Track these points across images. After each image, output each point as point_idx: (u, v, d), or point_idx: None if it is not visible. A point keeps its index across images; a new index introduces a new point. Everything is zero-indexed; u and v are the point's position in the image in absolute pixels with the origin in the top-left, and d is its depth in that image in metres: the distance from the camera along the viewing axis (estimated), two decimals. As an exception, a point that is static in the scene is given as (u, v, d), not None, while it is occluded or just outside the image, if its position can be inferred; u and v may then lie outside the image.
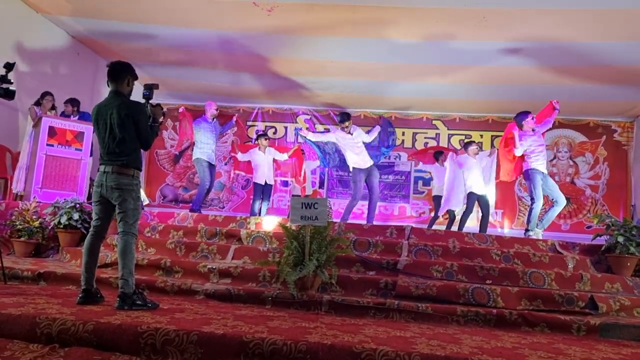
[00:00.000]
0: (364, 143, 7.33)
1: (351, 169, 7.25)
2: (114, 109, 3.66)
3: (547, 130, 7.10)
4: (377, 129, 7.77)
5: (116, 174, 3.64)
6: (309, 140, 7.96)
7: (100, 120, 3.70)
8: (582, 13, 6.28)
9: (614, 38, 6.88)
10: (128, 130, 3.66)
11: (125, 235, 3.67)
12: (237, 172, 9.43)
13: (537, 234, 6.47)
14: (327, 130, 7.50)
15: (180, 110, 8.19)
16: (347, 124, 7.24)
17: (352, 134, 7.23)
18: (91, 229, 3.81)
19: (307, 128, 8.65)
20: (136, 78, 3.88)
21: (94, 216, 3.82)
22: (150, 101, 3.88)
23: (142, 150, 3.83)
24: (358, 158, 7.15)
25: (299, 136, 7.75)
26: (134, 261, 3.70)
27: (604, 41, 6.98)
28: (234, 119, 8.66)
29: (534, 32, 6.93)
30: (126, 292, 3.52)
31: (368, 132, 7.59)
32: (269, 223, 6.11)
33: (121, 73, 3.78)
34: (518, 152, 6.73)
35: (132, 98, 3.85)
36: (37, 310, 3.15)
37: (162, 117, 3.99)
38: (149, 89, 3.89)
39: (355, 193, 7.15)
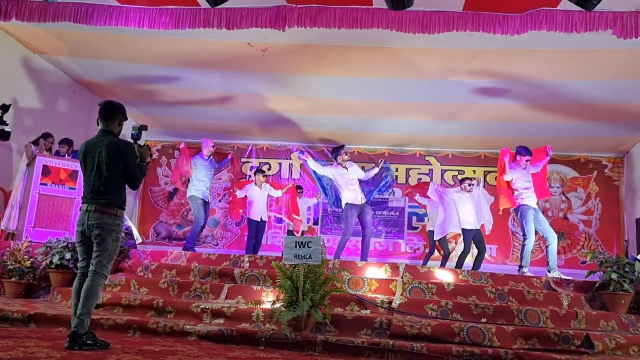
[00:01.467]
0: (358, 180, 7.38)
1: (344, 205, 7.27)
2: (103, 148, 3.66)
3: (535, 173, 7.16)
4: (376, 170, 7.81)
5: (99, 213, 3.62)
6: (308, 165, 7.86)
7: (89, 158, 3.70)
8: (568, 53, 6.43)
9: (600, 77, 7.04)
10: (116, 169, 3.66)
11: (97, 276, 3.62)
12: (241, 210, 9.30)
13: (558, 275, 6.37)
14: (325, 165, 7.53)
15: (182, 146, 8.16)
16: (340, 158, 7.30)
17: (347, 169, 7.29)
18: (79, 270, 3.77)
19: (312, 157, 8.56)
20: (126, 119, 3.91)
21: (79, 257, 3.78)
22: (138, 142, 3.90)
23: (128, 190, 3.84)
24: (352, 195, 7.16)
25: (299, 155, 7.74)
26: (96, 303, 3.68)
27: (591, 80, 7.13)
28: (230, 156, 8.74)
29: (522, 72, 7.08)
30: (79, 333, 3.46)
31: (366, 170, 7.65)
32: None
33: (113, 113, 3.81)
34: (507, 177, 6.81)
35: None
36: (27, 354, 3.10)
37: (150, 158, 4.00)
38: (138, 130, 3.92)
39: (347, 229, 7.16)
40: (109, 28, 6.21)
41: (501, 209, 7.30)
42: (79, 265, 3.78)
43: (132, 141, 3.87)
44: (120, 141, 3.77)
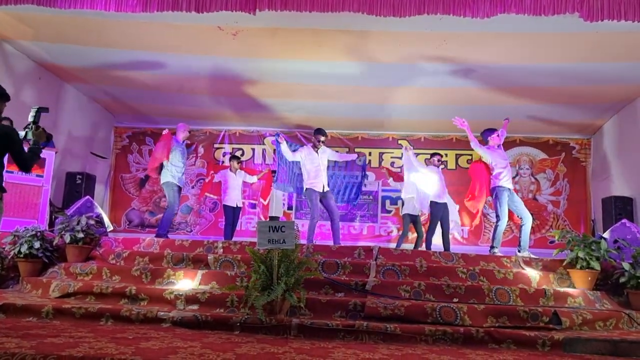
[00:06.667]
0: (328, 162, 7.40)
1: (304, 189, 7.26)
2: None
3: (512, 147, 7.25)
4: (352, 157, 7.82)
5: None
6: (281, 149, 7.75)
7: None
8: (536, 36, 6.53)
9: (567, 60, 7.17)
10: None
11: None
12: (207, 194, 9.37)
13: (527, 254, 6.50)
14: (294, 150, 7.48)
15: (165, 132, 7.86)
16: (322, 139, 7.29)
17: (318, 154, 7.25)
18: None
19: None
20: (8, 99, 3.82)
21: None
22: (36, 124, 3.84)
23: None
24: (315, 180, 7.14)
25: (274, 138, 7.66)
26: None
27: (558, 63, 7.26)
28: (193, 146, 8.63)
29: (492, 55, 7.16)
30: None
31: (340, 154, 7.64)
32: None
33: None
34: (474, 145, 6.91)
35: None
36: (-5, 345, 3.05)
37: (47, 141, 3.90)
38: (37, 111, 3.87)
39: (313, 212, 7.14)
40: (74, 11, 6.04)
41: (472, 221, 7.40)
42: None
43: (30, 122, 3.81)
44: (2, 126, 3.71)
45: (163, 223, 7.57)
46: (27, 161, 3.74)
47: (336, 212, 7.25)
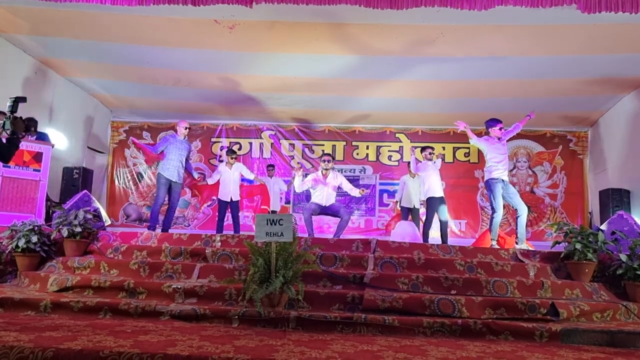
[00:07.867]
0: (339, 188, 7.52)
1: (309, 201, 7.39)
2: None
3: (510, 140, 7.23)
4: (356, 193, 7.72)
5: None
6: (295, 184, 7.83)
7: None
8: (533, 29, 6.52)
9: (564, 52, 7.16)
10: None
11: None
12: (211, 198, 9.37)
13: (525, 245, 6.55)
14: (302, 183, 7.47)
15: (130, 140, 7.84)
16: (326, 159, 7.42)
17: (326, 180, 7.33)
18: None
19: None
20: None
21: None
22: (14, 114, 3.77)
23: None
24: (319, 196, 7.31)
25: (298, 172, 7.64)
26: None
27: (555, 55, 7.25)
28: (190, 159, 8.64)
29: (489, 48, 7.15)
30: None
31: (351, 188, 7.59)
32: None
33: None
34: (472, 141, 6.94)
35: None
36: (-6, 338, 3.04)
37: (24, 131, 3.85)
38: (14, 101, 3.79)
39: (305, 207, 7.26)
40: (69, 4, 6.00)
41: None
42: None
43: (8, 112, 3.75)
44: None
45: (150, 216, 7.67)
46: (5, 152, 3.68)
47: (342, 212, 7.27)
